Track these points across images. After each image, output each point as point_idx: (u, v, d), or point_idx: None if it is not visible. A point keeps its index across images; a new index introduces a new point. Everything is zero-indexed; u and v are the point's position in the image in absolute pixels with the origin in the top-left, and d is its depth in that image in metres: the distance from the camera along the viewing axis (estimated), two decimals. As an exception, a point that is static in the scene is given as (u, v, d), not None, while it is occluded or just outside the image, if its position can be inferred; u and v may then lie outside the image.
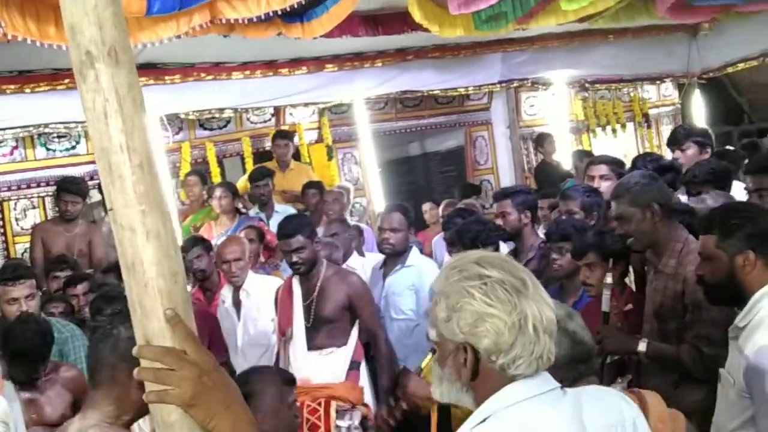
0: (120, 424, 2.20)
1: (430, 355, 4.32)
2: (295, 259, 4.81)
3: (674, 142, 6.26)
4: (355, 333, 4.83)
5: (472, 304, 1.64)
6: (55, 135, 7.20)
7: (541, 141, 9.61)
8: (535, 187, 8.81)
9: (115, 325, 2.23)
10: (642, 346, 3.45)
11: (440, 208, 7.76)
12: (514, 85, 9.70)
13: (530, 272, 1.72)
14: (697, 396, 3.25)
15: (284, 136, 8.18)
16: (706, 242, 2.83)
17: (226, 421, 1.42)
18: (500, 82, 9.50)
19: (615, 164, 5.43)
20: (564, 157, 9.35)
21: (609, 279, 3.64)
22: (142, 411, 2.18)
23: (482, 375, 1.66)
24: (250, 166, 8.14)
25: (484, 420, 1.63)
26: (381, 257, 5.77)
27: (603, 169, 5.35)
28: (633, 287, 4.14)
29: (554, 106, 10.06)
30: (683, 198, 5.30)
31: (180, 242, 6.99)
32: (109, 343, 2.22)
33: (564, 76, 9.79)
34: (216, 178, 7.91)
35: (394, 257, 5.34)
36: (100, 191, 7.76)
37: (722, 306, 3.04)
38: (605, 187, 5.00)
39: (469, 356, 1.65)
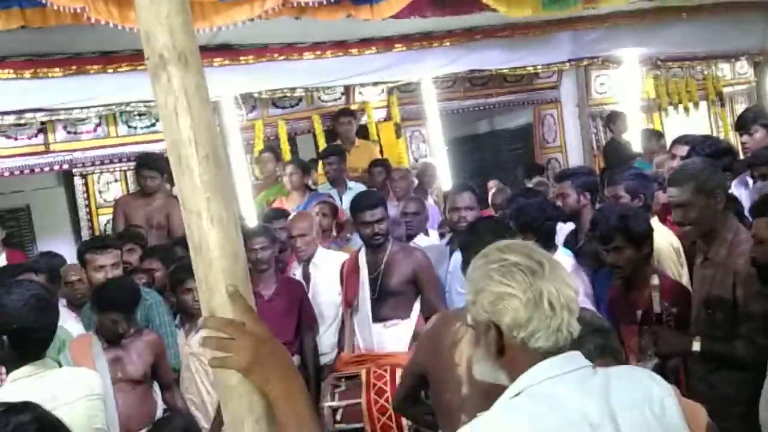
0: None
1: None
2: (377, 230, 4.93)
3: (742, 126, 6.15)
4: (417, 307, 4.96)
5: (491, 286, 1.79)
6: (135, 113, 7.43)
7: (612, 120, 9.51)
8: (603, 166, 8.82)
9: None
10: (696, 346, 3.36)
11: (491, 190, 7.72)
12: (584, 63, 9.61)
13: (552, 257, 1.85)
14: (736, 380, 3.31)
15: (347, 114, 8.27)
16: (760, 224, 2.91)
17: (280, 385, 1.60)
18: (570, 61, 9.42)
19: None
20: (635, 137, 9.25)
21: (656, 280, 3.53)
22: None
23: (508, 351, 1.79)
24: (322, 144, 8.29)
25: (516, 395, 1.75)
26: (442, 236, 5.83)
27: (686, 150, 5.20)
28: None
29: (625, 85, 9.92)
30: (749, 182, 5.27)
31: (255, 213, 7.23)
32: None
33: (635, 54, 9.63)
34: (287, 156, 8.04)
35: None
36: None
37: None
38: None
39: (494, 333, 1.79)
